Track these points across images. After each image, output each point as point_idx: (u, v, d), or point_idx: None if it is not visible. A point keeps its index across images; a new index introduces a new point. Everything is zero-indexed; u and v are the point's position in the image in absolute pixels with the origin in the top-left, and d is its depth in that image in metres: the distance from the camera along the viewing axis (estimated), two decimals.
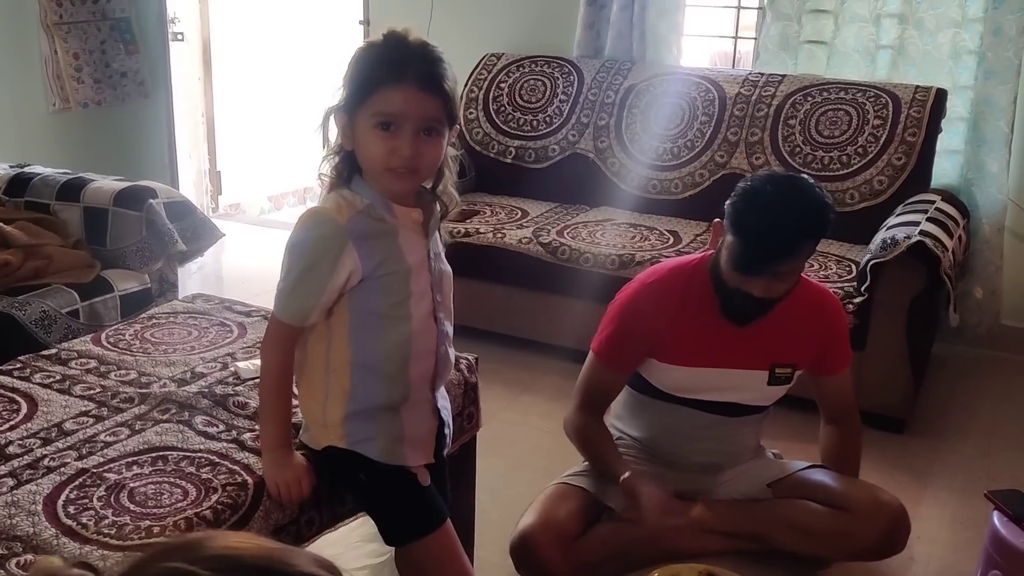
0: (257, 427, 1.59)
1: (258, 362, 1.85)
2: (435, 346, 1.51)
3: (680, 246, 3.26)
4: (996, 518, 1.87)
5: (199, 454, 1.51)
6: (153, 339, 1.99)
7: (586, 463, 2.21)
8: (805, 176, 2.01)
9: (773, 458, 2.31)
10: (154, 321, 2.08)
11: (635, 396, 2.27)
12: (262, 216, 5.65)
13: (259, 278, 4.10)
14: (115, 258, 2.60)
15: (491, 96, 4.04)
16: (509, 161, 3.97)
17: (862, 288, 2.82)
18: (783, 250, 1.91)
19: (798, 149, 3.48)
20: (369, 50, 1.39)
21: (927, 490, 2.57)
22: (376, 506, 1.53)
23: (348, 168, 1.46)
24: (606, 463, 2.12)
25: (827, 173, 3.41)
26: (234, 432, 1.59)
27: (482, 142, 4.03)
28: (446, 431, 1.58)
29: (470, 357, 1.93)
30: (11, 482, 1.42)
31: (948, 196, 3.31)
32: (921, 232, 2.76)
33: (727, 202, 2.00)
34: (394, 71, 1.35)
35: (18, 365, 1.83)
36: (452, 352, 1.57)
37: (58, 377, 1.79)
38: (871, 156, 3.37)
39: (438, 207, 1.52)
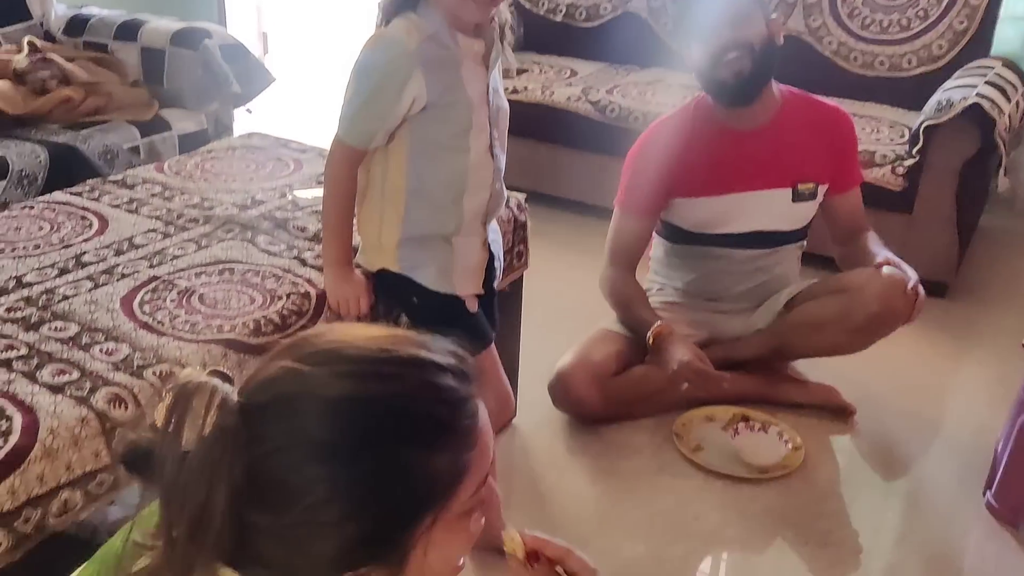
0: (317, 248, 1.66)
1: (316, 191, 1.92)
2: (490, 180, 1.55)
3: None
4: None
5: (263, 267, 1.59)
6: (213, 170, 2.05)
7: None
8: None
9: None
10: (213, 154, 2.14)
11: (671, 246, 2.31)
12: (309, 77, 5.63)
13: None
14: (172, 97, 2.65)
15: None
16: (559, 19, 3.91)
17: (913, 150, 2.79)
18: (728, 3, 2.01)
19: (857, 11, 3.39)
20: None
21: (966, 352, 2.61)
22: (426, 327, 1.60)
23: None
24: (637, 317, 2.18)
25: (886, 37, 3.33)
26: (295, 251, 1.66)
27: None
28: (496, 264, 1.63)
29: (519, 196, 1.97)
30: (89, 284, 1.51)
31: (1008, 63, 3.22)
32: (978, 94, 2.71)
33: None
34: None
35: (87, 188, 1.91)
36: (504, 189, 1.61)
37: (126, 199, 1.86)
38: (932, 19, 3.27)
39: (498, 41, 1.53)
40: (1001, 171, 2.75)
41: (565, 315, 2.56)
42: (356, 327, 0.77)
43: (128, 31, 2.70)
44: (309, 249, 1.67)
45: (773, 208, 2.16)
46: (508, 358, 2.09)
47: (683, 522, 1.88)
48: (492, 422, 1.59)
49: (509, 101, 3.43)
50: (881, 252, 2.17)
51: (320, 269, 1.58)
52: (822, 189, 2.18)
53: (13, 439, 1.11)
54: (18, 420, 1.14)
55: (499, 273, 1.66)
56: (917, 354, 2.17)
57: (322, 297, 1.52)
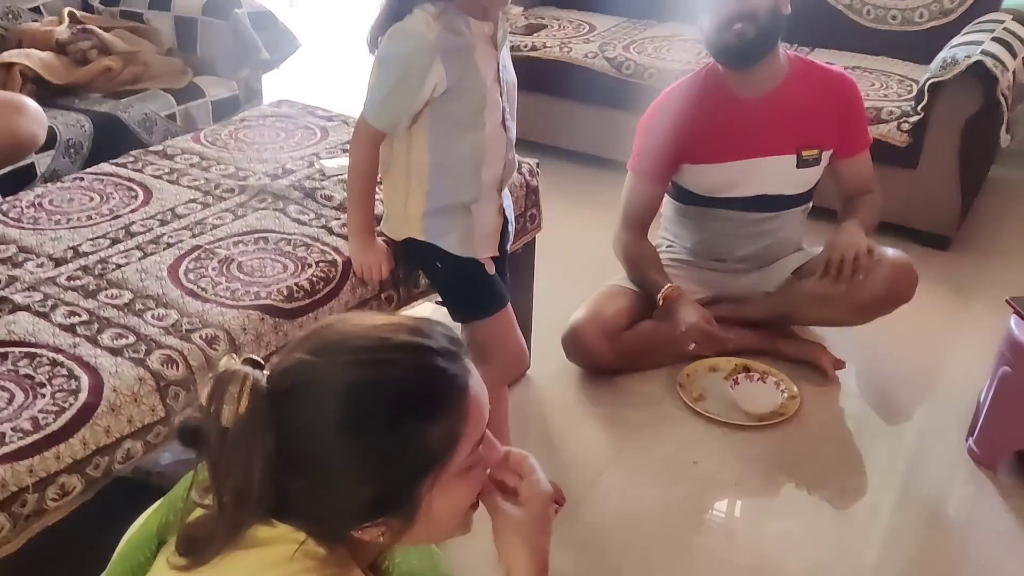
0: (342, 217, 1.80)
1: (341, 160, 2.06)
2: (504, 151, 1.68)
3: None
4: (1013, 322, 2.02)
5: (294, 236, 1.74)
6: (246, 139, 2.19)
7: None
8: None
9: (797, 250, 2.44)
10: (245, 123, 2.28)
11: (680, 207, 2.43)
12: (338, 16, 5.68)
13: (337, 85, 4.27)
14: (205, 65, 2.78)
15: None
16: None
17: (919, 107, 2.87)
18: None
19: None
20: None
21: (964, 304, 2.71)
22: (448, 289, 1.76)
23: None
24: (648, 279, 2.31)
25: None
26: (323, 220, 1.81)
27: None
28: (509, 228, 1.77)
29: (532, 162, 2.10)
30: (138, 254, 1.67)
31: (1020, 16, 3.26)
32: (982, 52, 2.77)
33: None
34: None
35: (131, 159, 2.06)
36: (516, 158, 1.74)
37: (167, 170, 2.01)
38: None
39: (502, 22, 1.65)
40: (1003, 128, 2.82)
41: (581, 268, 2.69)
42: (359, 317, 0.90)
43: (162, 1, 2.83)
44: (336, 218, 1.81)
45: (778, 173, 2.27)
46: (522, 314, 2.24)
47: (683, 466, 2.04)
48: (507, 375, 1.77)
49: (528, 58, 3.56)
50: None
51: (345, 238, 1.73)
52: (826, 155, 2.29)
53: (82, 397, 1.28)
54: (85, 380, 1.31)
55: (511, 236, 1.79)
56: (916, 306, 2.28)
57: (347, 264, 1.67)
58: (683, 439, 2.13)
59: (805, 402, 2.23)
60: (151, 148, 2.12)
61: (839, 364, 2.33)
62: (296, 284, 1.59)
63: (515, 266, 2.07)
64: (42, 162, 2.34)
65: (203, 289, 1.55)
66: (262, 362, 0.85)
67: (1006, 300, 2.09)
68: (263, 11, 2.80)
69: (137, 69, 2.66)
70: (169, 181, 1.96)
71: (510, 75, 1.69)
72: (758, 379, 2.28)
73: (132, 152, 2.09)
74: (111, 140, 2.44)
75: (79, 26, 2.69)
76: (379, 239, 1.72)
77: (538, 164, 2.12)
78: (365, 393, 0.81)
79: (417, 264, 1.76)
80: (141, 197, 1.88)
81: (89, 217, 1.80)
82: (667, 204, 2.48)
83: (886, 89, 3.10)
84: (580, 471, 2.03)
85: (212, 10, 2.77)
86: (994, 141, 2.94)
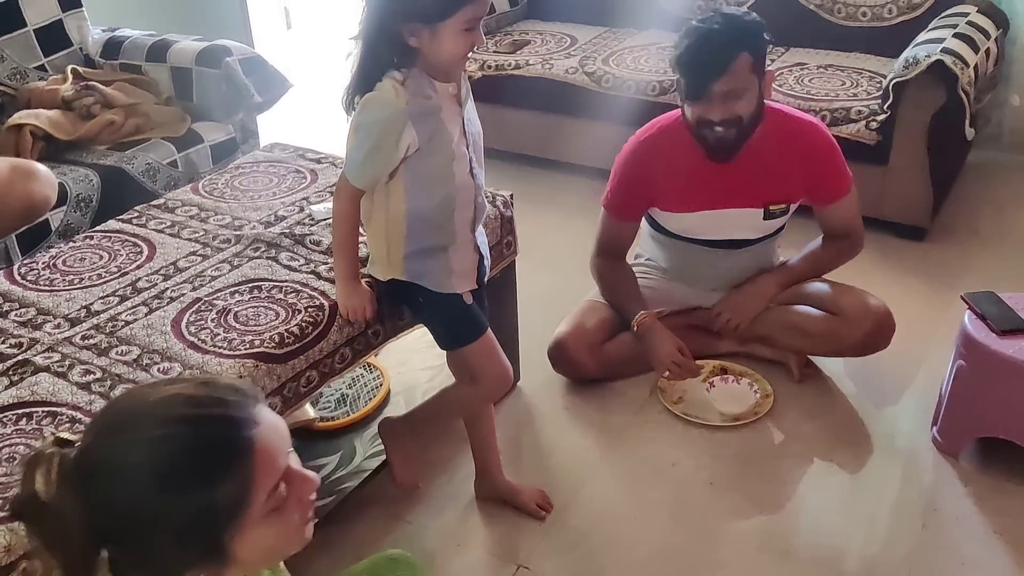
0: (329, 261, 1.96)
1: (328, 204, 2.21)
2: (473, 196, 1.82)
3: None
4: (967, 317, 2.15)
5: (285, 283, 1.90)
6: (241, 187, 2.36)
7: None
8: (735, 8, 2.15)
9: (772, 266, 2.57)
10: (240, 170, 2.44)
11: (653, 233, 2.55)
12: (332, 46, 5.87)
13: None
14: (202, 112, 2.95)
15: None
16: None
17: (885, 106, 2.98)
18: (717, 62, 2.08)
19: None
20: None
21: (937, 294, 2.82)
22: (432, 321, 1.92)
23: (399, 56, 1.72)
24: (623, 306, 2.43)
25: None
26: (312, 265, 1.97)
27: None
28: (485, 263, 1.92)
29: (506, 194, 2.24)
30: (145, 310, 1.83)
31: (986, 7, 3.36)
32: (943, 50, 2.88)
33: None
34: None
35: (135, 214, 2.23)
36: (485, 201, 1.89)
37: (168, 223, 2.18)
38: None
39: (464, 80, 1.79)
40: (966, 122, 2.93)
41: (567, 279, 2.83)
42: (145, 392, 0.99)
43: (158, 52, 3.00)
44: (323, 263, 1.97)
45: (745, 223, 2.37)
46: (508, 332, 2.40)
47: (662, 468, 2.19)
48: (492, 395, 1.96)
49: (513, 76, 3.68)
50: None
51: (331, 281, 1.89)
52: (795, 205, 2.37)
53: None
54: None
55: (488, 269, 1.94)
56: (889, 297, 2.39)
57: (334, 307, 1.83)
58: (663, 442, 2.28)
59: (779, 401, 2.37)
60: (154, 203, 2.28)
61: (806, 368, 2.46)
62: (287, 330, 1.75)
63: (497, 289, 2.22)
64: (55, 218, 2.51)
65: (203, 341, 1.72)
66: (72, 439, 0.97)
67: (961, 296, 2.21)
68: (253, 56, 2.96)
69: (139, 120, 2.83)
70: (171, 235, 2.13)
71: (475, 127, 1.83)
72: (733, 380, 2.42)
73: (136, 207, 2.25)
74: (118, 191, 2.61)
75: (82, 82, 2.87)
76: (363, 282, 1.87)
77: (512, 196, 2.26)
78: (147, 470, 0.91)
79: (401, 301, 1.92)
80: (146, 252, 2.05)
81: (99, 276, 1.97)
82: (643, 224, 2.58)
83: (856, 88, 3.21)
84: (567, 477, 2.18)
85: (205, 60, 2.93)
86: (962, 133, 3.04)
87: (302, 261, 1.99)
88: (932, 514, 2.02)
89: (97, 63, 3.09)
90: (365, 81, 1.74)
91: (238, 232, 2.12)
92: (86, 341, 1.74)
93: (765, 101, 2.22)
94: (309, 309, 1.81)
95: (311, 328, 1.78)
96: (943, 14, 3.31)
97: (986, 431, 2.13)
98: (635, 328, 2.37)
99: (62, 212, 2.53)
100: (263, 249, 2.04)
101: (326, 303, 1.84)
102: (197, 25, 4.45)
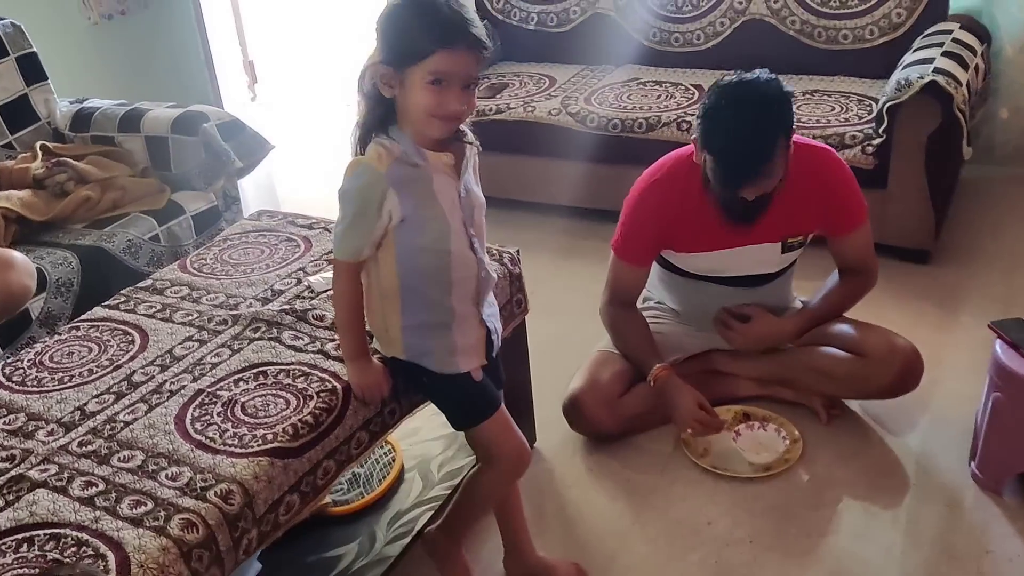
0: (336, 337, 1.85)
1: (327, 274, 2.11)
2: (475, 271, 1.72)
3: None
4: (998, 346, 2.08)
5: (292, 366, 1.78)
6: (232, 260, 2.24)
7: None
8: (759, 74, 2.04)
9: (790, 305, 2.51)
10: (229, 243, 2.33)
11: (664, 273, 2.47)
12: (299, 100, 5.78)
13: (319, 179, 4.33)
14: (181, 181, 2.83)
15: None
16: (532, 27, 4.05)
17: (880, 130, 2.93)
18: (757, 158, 2.00)
19: None
20: (411, 10, 1.55)
21: (951, 318, 2.76)
22: (439, 402, 1.80)
23: (385, 115, 1.64)
24: (638, 357, 2.34)
25: (846, 10, 3.46)
26: (318, 343, 1.85)
27: (503, 10, 4.11)
28: (493, 337, 1.81)
29: (512, 250, 2.14)
30: (144, 407, 1.71)
31: (968, 23, 3.34)
32: (935, 70, 2.84)
33: (695, 119, 2.12)
34: (448, 38, 1.50)
35: (122, 299, 2.10)
36: (492, 272, 1.78)
37: (159, 307, 2.06)
38: None
39: (468, 149, 1.69)
40: (964, 141, 2.89)
41: (573, 326, 2.74)
42: None
43: (131, 123, 2.88)
44: (330, 339, 1.86)
45: (764, 258, 2.30)
46: (521, 390, 2.29)
47: (698, 528, 2.09)
48: (512, 473, 1.83)
49: (495, 121, 3.61)
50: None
51: (342, 360, 1.77)
52: (811, 236, 2.30)
53: None
54: (112, 558, 1.35)
55: (498, 342, 1.83)
56: (903, 326, 2.33)
57: (347, 390, 1.72)
58: (695, 499, 2.17)
59: (808, 445, 2.28)
60: (140, 285, 2.16)
61: (832, 409, 2.38)
62: (300, 420, 1.63)
63: (507, 348, 2.11)
64: (35, 306, 2.38)
65: (211, 439, 1.59)
66: None
67: (988, 325, 2.14)
68: (231, 120, 2.86)
69: (115, 195, 2.71)
70: (163, 319, 2.00)
71: (475, 198, 1.72)
72: (759, 427, 2.33)
73: (123, 291, 2.13)
74: (99, 272, 2.48)
75: (53, 159, 2.74)
76: (375, 359, 1.76)
77: (518, 251, 2.16)
78: None
79: (407, 380, 1.80)
80: (138, 341, 1.92)
81: (91, 371, 1.84)
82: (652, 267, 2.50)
83: (847, 112, 3.17)
84: (599, 546, 2.07)
85: (181, 127, 2.82)
86: (959, 152, 3.00)
87: (307, 340, 1.87)
88: (986, 557, 1.93)
89: (67, 137, 2.97)
90: (362, 142, 1.65)
91: (234, 312, 2.00)
92: (84, 448, 1.61)
93: (788, 172, 2.10)
94: (321, 394, 1.70)
95: (325, 415, 1.67)
96: (925, 33, 3.28)
97: None
98: (652, 382, 2.27)
99: (42, 300, 2.39)
100: (264, 329, 1.92)
101: (339, 385, 1.72)
102: (163, 89, 4.37)
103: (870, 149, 2.95)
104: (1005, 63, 3.47)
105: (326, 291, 2.04)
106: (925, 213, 3.01)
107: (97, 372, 1.83)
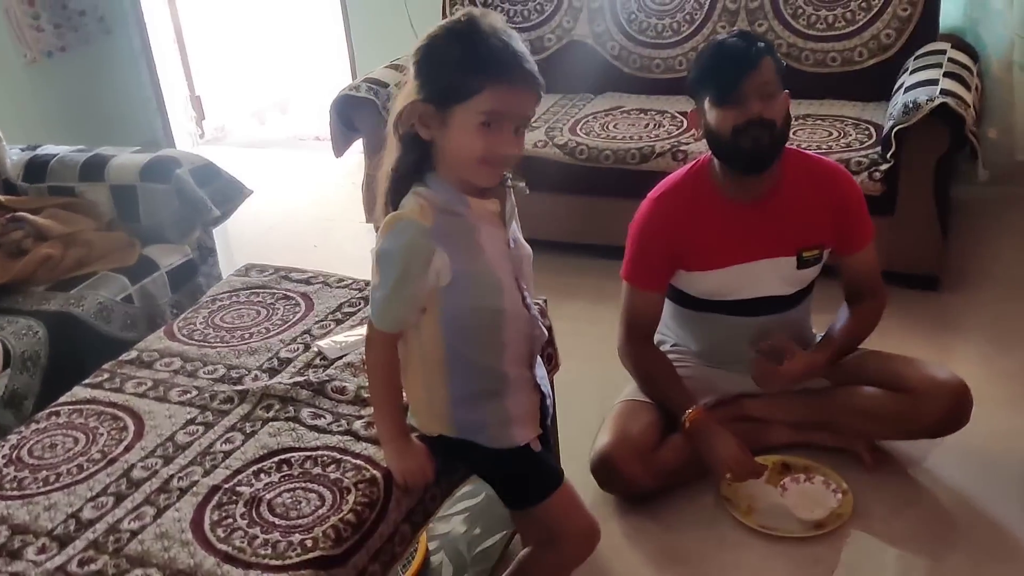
0: (364, 413, 1.64)
1: (338, 337, 1.90)
2: (528, 330, 1.54)
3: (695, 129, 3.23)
4: None
5: (318, 452, 1.56)
6: (225, 324, 2.01)
7: None
8: None
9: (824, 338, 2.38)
10: (219, 304, 2.10)
11: (679, 309, 2.33)
12: (251, 136, 5.53)
13: (275, 219, 4.08)
14: (153, 234, 2.58)
15: None
16: None
17: (888, 155, 2.83)
18: (748, 58, 1.99)
19: (800, 10, 3.42)
20: (456, 40, 1.36)
21: (972, 348, 2.67)
22: (495, 481, 1.61)
23: (420, 160, 1.45)
24: (668, 396, 2.20)
25: (833, 32, 3.37)
26: (343, 422, 1.64)
27: None
28: (548, 403, 1.63)
29: (541, 300, 1.96)
30: (151, 511, 1.47)
31: (957, 42, 3.29)
32: (942, 92, 2.76)
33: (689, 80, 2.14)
34: (500, 73, 1.33)
35: (106, 376, 1.86)
36: (544, 329, 1.60)
37: (150, 384, 1.82)
38: (876, 9, 3.32)
39: (510, 193, 1.52)
40: (979, 163, 2.80)
41: (583, 373, 2.55)
42: None
43: (93, 170, 2.62)
44: (357, 416, 1.65)
45: (779, 275, 2.19)
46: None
47: None
48: (578, 556, 1.63)
49: None
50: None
51: (373, 441, 1.57)
52: (827, 252, 2.20)
53: None
54: None
55: (552, 409, 1.65)
56: (926, 357, 2.22)
57: (388, 477, 1.51)
58: (748, 564, 2.00)
59: (856, 495, 2.13)
60: (125, 358, 1.91)
61: (877, 453, 2.24)
62: (341, 520, 1.42)
63: None
64: None
65: (240, 549, 1.37)
66: None
67: None
68: (205, 165, 2.62)
69: (80, 252, 2.45)
70: (156, 399, 1.77)
71: (522, 248, 1.55)
72: (805, 480, 2.17)
73: (105, 367, 1.89)
74: (69, 342, 2.22)
75: (7, 214, 2.47)
76: (414, 439, 1.55)
77: (546, 301, 1.98)
78: None
79: (455, 458, 1.60)
80: (132, 428, 1.68)
81: (80, 467, 1.59)
82: (665, 305, 2.36)
83: (846, 137, 3.06)
84: None
85: (151, 174, 2.57)
86: (955, 168, 2.91)
87: (329, 418, 1.66)
88: None
89: (20, 188, 2.68)
90: (395, 192, 1.45)
91: (239, 387, 1.77)
92: (86, 568, 1.37)
93: (790, 117, 2.10)
94: (359, 485, 1.48)
95: (367, 511, 1.45)
96: (917, 54, 3.20)
97: None
98: (686, 425, 2.12)
99: (7, 377, 2.12)
100: (277, 407, 1.70)
101: (377, 473, 1.51)
102: (109, 130, 4.10)
103: (877, 175, 2.85)
104: (993, 82, 3.42)
105: (341, 358, 1.82)
106: (935, 238, 2.92)
107: (89, 468, 1.59)
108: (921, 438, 2.21)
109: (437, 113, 1.38)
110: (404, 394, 1.57)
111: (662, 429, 2.22)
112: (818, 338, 2.37)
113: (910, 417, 2.13)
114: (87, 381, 1.84)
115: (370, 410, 1.65)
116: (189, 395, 1.77)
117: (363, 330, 1.86)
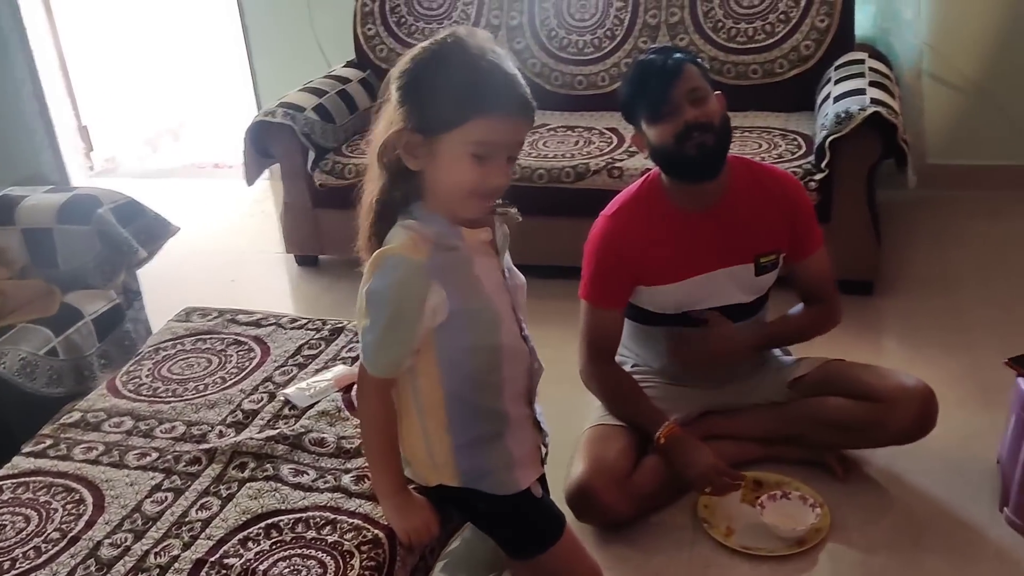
0: (351, 466, 1.53)
1: (302, 384, 1.77)
2: (527, 364, 1.47)
3: (626, 145, 3.22)
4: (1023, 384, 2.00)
5: (308, 513, 1.44)
6: (175, 376, 1.86)
7: None
8: None
9: (782, 354, 2.39)
10: (163, 354, 1.94)
11: (638, 327, 2.30)
12: (143, 166, 5.25)
13: (182, 254, 3.86)
14: (72, 279, 2.36)
15: (388, 7, 3.82)
16: None
17: (822, 165, 2.87)
18: (670, 70, 1.99)
19: (720, 24, 3.45)
20: (445, 65, 1.27)
21: (915, 351, 2.71)
22: (498, 529, 1.52)
23: (407, 191, 1.36)
24: (638, 414, 2.16)
25: (753, 45, 3.42)
26: (329, 478, 1.52)
27: (388, 59, 3.83)
28: (547, 440, 1.55)
29: None
30: None
31: (872, 51, 3.37)
32: (872, 101, 2.81)
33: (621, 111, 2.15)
34: (493, 100, 1.25)
35: (49, 442, 1.68)
36: (541, 364, 1.52)
37: (101, 448, 1.65)
38: (794, 21, 3.38)
39: (500, 221, 1.44)
40: (909, 170, 2.87)
41: (545, 399, 2.48)
42: None
43: (2, 213, 2.40)
44: (343, 470, 1.53)
45: (738, 283, 2.18)
46: None
47: None
48: None
49: None
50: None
51: (368, 497, 1.46)
52: (782, 257, 2.21)
53: None
54: None
55: (548, 448, 1.57)
56: (869, 362, 2.25)
57: (391, 536, 1.40)
58: None
59: (832, 507, 2.12)
60: (66, 420, 1.74)
61: (846, 462, 2.25)
62: None
63: None
64: None
65: None
66: None
67: (1005, 363, 2.08)
68: (127, 202, 2.43)
69: None
70: (112, 465, 1.60)
71: (518, 279, 1.48)
72: (781, 496, 2.15)
73: (45, 432, 1.71)
74: None
75: None
76: (415, 493, 1.45)
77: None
78: None
79: (455, 509, 1.51)
80: (90, 500, 1.52)
81: (38, 550, 1.42)
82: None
83: (777, 148, 3.09)
84: None
85: (69, 215, 2.36)
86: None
87: (313, 474, 1.53)
88: None
89: None
90: (380, 225, 1.36)
91: (205, 445, 1.62)
92: None
93: (728, 118, 2.09)
94: (363, 547, 1.37)
95: (376, 575, 1.34)
96: (837, 64, 3.27)
97: None
98: (661, 441, 2.09)
99: None
100: (252, 466, 1.56)
101: (379, 532, 1.40)
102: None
103: (813, 184, 2.88)
104: (904, 89, 3.52)
105: (312, 406, 1.70)
106: (870, 244, 2.98)
107: (48, 550, 1.42)
108: (891, 445, 2.22)
109: (425, 142, 1.29)
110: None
111: (636, 453, 2.18)
112: (775, 350, 2.38)
113: (881, 425, 2.14)
114: (28, 449, 1.66)
115: (357, 462, 1.54)
116: (149, 458, 1.61)
117: (331, 374, 1.77)
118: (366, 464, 1.50)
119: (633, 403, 2.19)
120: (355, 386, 1.76)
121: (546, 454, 1.57)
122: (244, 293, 3.40)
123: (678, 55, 2.04)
